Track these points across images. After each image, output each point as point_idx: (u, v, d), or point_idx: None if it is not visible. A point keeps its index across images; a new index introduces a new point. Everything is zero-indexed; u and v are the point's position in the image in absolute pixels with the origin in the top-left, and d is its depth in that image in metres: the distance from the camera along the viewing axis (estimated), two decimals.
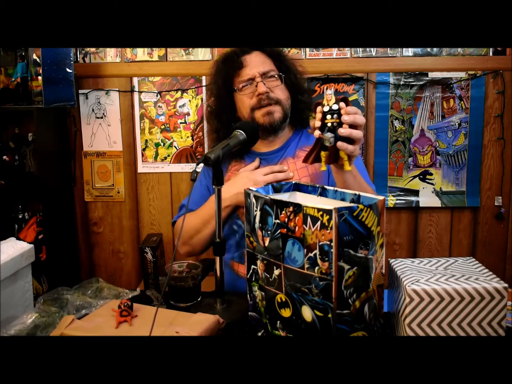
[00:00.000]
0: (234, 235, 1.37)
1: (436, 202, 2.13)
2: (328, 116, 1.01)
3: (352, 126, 1.01)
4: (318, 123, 1.01)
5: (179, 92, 2.14)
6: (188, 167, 2.18)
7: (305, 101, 1.45)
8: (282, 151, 1.41)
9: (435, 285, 0.83)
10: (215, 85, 1.45)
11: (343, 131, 1.00)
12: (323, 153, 1.04)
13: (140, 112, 2.16)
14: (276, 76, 1.39)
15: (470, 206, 2.12)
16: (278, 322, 0.92)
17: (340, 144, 1.00)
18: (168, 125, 2.16)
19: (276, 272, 0.90)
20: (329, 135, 1.00)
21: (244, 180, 1.31)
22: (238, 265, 1.36)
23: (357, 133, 1.01)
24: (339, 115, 1.00)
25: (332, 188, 1.00)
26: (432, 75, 2.06)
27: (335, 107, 1.00)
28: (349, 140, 1.02)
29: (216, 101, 1.46)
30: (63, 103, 1.94)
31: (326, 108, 1.01)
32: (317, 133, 1.02)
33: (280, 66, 1.42)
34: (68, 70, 1.92)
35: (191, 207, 1.44)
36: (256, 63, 1.38)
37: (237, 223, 1.36)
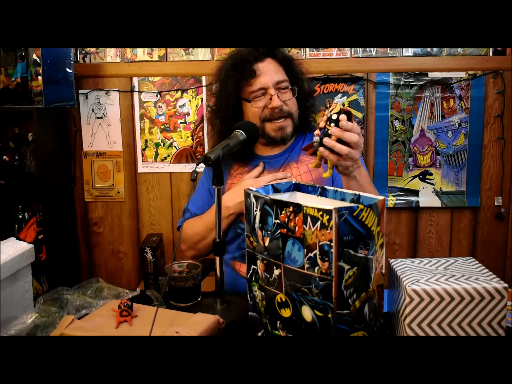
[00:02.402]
0: (238, 238, 1.37)
1: (436, 202, 2.13)
2: (328, 122, 1.05)
3: (343, 141, 1.03)
4: (322, 124, 1.05)
5: (179, 92, 2.14)
6: (188, 167, 2.18)
7: (310, 106, 1.45)
8: (286, 155, 1.41)
9: (435, 285, 0.83)
10: (222, 91, 1.42)
11: (327, 141, 1.03)
12: (318, 152, 1.08)
13: (140, 112, 2.16)
14: (289, 88, 1.38)
15: (470, 206, 2.12)
16: (278, 322, 0.92)
17: (321, 149, 1.04)
18: (168, 125, 2.16)
19: (276, 272, 0.90)
20: (316, 138, 1.05)
21: None
22: (240, 264, 1.36)
23: (340, 148, 1.02)
24: (337, 125, 1.03)
25: (332, 188, 1.00)
26: (432, 75, 2.06)
27: (334, 117, 1.03)
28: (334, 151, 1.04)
29: (223, 107, 1.43)
30: (63, 103, 1.95)
31: (328, 115, 1.05)
32: (316, 132, 1.06)
33: (290, 72, 1.40)
34: (68, 70, 1.92)
35: (195, 211, 1.44)
36: (269, 72, 1.35)
37: (241, 227, 1.36)
